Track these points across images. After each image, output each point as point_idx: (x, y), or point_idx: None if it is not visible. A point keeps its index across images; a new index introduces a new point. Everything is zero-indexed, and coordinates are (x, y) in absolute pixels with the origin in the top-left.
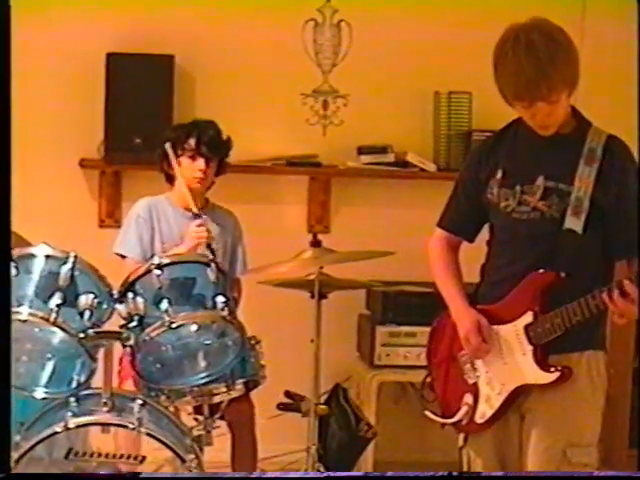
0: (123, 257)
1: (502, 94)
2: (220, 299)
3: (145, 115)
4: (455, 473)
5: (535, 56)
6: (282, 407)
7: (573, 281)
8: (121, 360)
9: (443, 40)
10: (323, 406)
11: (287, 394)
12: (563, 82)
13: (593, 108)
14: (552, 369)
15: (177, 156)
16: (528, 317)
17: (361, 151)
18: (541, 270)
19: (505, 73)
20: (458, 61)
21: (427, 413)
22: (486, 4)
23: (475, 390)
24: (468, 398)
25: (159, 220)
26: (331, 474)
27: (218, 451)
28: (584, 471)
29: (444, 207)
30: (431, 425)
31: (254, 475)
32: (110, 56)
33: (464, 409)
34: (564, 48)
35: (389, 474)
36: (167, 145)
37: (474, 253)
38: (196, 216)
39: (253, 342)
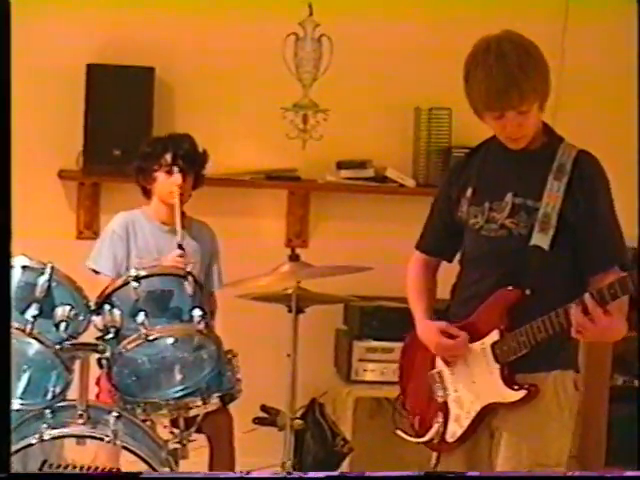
0: (96, 272)
1: (473, 106)
2: (197, 312)
3: (125, 127)
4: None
5: (505, 64)
6: (258, 421)
7: (541, 298)
8: (98, 381)
9: (424, 56)
10: (299, 421)
11: (263, 408)
12: (534, 91)
13: (571, 122)
14: (516, 387)
15: (154, 171)
16: (494, 335)
17: (340, 166)
18: (509, 287)
19: (476, 82)
20: (438, 77)
21: (398, 432)
22: (467, 21)
23: (445, 409)
24: (438, 417)
25: (135, 235)
26: (311, 474)
27: (194, 465)
28: None
29: (422, 228)
30: (407, 441)
31: (251, 475)
32: (90, 67)
33: (435, 428)
34: (535, 58)
35: (367, 474)
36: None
37: (453, 272)
38: (177, 242)
39: (229, 356)
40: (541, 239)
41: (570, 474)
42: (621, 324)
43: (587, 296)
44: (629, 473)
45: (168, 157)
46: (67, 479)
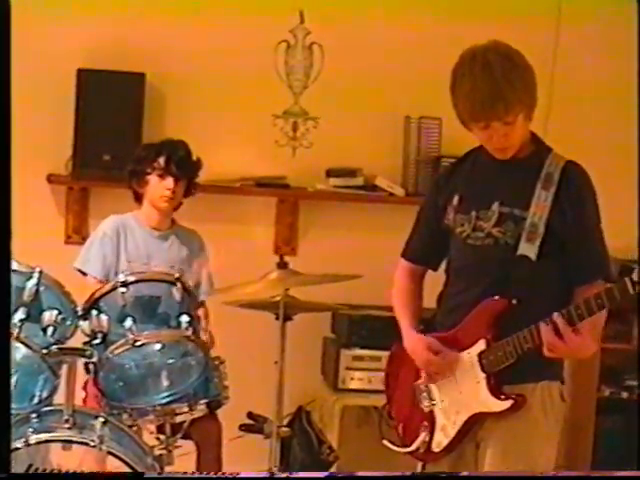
0: (84, 274)
1: (459, 116)
2: (184, 318)
3: (114, 132)
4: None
5: (490, 75)
6: (244, 428)
7: (528, 308)
8: (85, 386)
9: (414, 65)
10: (286, 428)
11: (250, 415)
12: (519, 102)
13: (562, 130)
14: (503, 397)
15: (146, 174)
16: (481, 345)
17: (330, 174)
18: (496, 297)
19: (461, 93)
20: (429, 86)
21: (384, 442)
22: (458, 30)
23: (431, 418)
24: (425, 427)
25: (126, 239)
26: (298, 474)
27: (180, 471)
28: None
29: (408, 237)
30: (394, 450)
31: (251, 475)
32: (81, 72)
33: (421, 437)
34: (520, 69)
35: (359, 474)
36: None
37: (440, 280)
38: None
39: (217, 362)
40: (528, 249)
41: (560, 474)
42: (591, 342)
43: (556, 315)
44: (617, 473)
45: (161, 161)
46: (70, 479)
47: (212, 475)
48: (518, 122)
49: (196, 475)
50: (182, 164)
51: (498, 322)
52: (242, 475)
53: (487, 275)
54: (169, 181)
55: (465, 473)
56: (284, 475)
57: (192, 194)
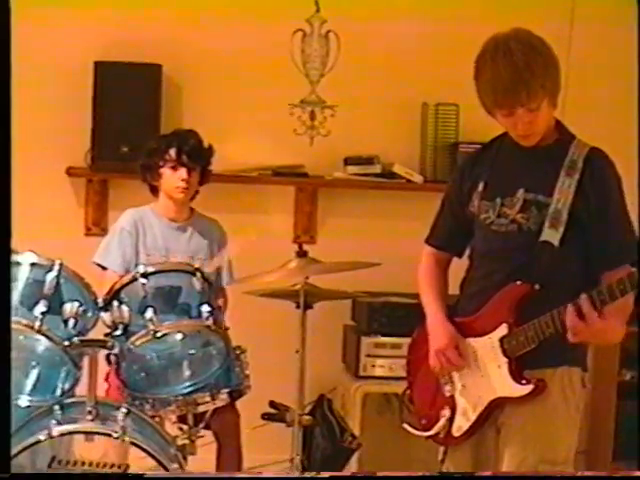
0: (103, 268)
1: (483, 104)
2: (205, 308)
3: (132, 124)
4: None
5: (512, 62)
6: (266, 417)
7: (550, 294)
8: (107, 377)
9: (431, 52)
10: (307, 417)
11: (272, 404)
12: (542, 88)
13: (579, 119)
14: (524, 382)
15: (159, 167)
16: (503, 329)
17: (348, 162)
18: (518, 282)
19: (484, 81)
20: (446, 73)
21: (405, 426)
22: (474, 17)
23: (452, 403)
24: (445, 411)
25: (144, 232)
26: (322, 475)
27: (202, 461)
28: None
29: (432, 223)
30: (415, 436)
31: (255, 475)
32: (98, 64)
33: (441, 422)
34: (542, 55)
35: (379, 474)
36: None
37: (463, 267)
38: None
39: (238, 352)
40: (551, 235)
41: (580, 474)
42: (617, 327)
43: (583, 298)
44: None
45: (172, 152)
46: (68, 479)
47: (228, 475)
48: (542, 108)
49: (200, 475)
50: (194, 153)
51: (520, 307)
52: (264, 475)
53: (510, 261)
54: (182, 172)
55: (487, 473)
56: (309, 475)
57: (207, 182)
